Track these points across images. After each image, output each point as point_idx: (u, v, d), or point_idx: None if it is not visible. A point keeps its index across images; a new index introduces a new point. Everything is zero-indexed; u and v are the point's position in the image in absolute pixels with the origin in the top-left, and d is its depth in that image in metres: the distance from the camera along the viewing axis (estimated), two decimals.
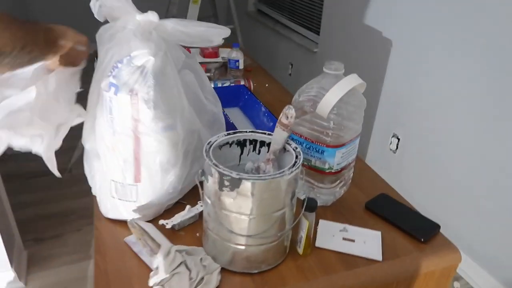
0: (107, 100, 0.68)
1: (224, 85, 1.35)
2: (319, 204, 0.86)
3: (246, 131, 0.75)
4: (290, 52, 3.21)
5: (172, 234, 0.77)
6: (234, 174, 0.61)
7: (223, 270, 0.70)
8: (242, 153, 0.77)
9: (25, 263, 1.76)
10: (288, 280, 0.69)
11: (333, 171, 0.82)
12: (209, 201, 0.67)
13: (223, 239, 0.68)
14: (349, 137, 0.81)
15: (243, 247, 0.67)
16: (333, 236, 0.79)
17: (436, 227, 0.82)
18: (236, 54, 1.54)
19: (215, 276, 0.67)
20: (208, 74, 1.52)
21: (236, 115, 1.24)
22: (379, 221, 0.84)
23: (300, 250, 0.74)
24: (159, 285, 0.65)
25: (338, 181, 0.87)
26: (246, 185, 0.61)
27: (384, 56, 2.15)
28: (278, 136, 0.70)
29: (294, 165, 0.65)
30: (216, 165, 0.63)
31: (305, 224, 0.71)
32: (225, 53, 1.64)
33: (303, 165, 0.85)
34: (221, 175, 0.62)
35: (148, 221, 0.79)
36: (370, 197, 0.91)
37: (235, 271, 0.70)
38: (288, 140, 0.72)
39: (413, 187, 2.07)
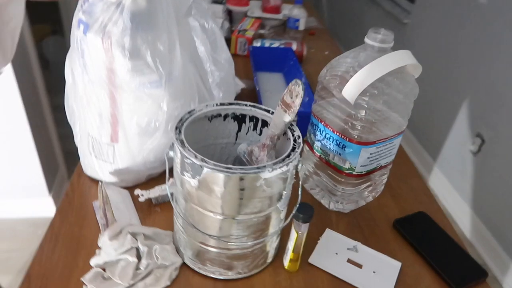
0: (78, 40, 0.56)
1: (273, 45, 1.18)
2: (335, 209, 0.69)
3: (246, 105, 0.59)
4: (374, 20, 2.87)
5: (146, 208, 0.66)
6: (194, 158, 0.46)
7: (184, 266, 0.58)
8: (239, 130, 0.61)
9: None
10: None
11: (354, 173, 0.63)
12: (176, 183, 0.53)
13: (186, 232, 0.55)
14: (385, 134, 0.61)
15: (202, 247, 0.54)
16: (336, 254, 0.61)
17: (482, 274, 0.61)
18: (297, 12, 1.34)
19: (169, 273, 0.55)
20: (262, 31, 1.35)
21: (272, 82, 1.07)
22: (405, 248, 0.65)
23: (285, 263, 0.59)
24: (99, 267, 0.55)
25: (364, 186, 0.68)
26: (209, 175, 0.46)
27: (491, 41, 1.78)
28: (277, 119, 0.54)
29: (283, 160, 0.48)
30: (180, 141, 0.49)
31: (293, 235, 0.55)
32: (287, 10, 1.45)
33: (320, 158, 0.67)
34: (182, 155, 0.48)
35: (126, 188, 0.69)
36: (405, 213, 0.71)
37: (197, 271, 0.57)
38: (292, 126, 0.55)
39: (489, 198, 1.75)
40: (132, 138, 0.63)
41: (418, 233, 0.66)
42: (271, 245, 0.57)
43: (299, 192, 0.55)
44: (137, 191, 0.67)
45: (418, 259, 0.63)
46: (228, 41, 1.23)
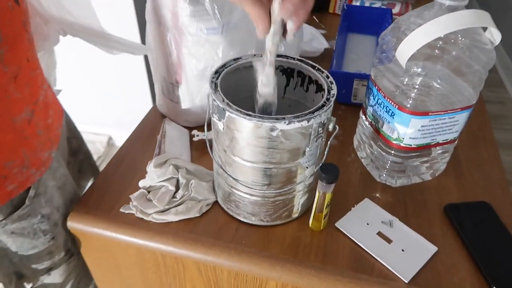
0: None
1: (373, 5, 1.10)
2: (383, 181, 0.65)
3: (293, 58, 0.58)
4: None
5: (201, 148, 0.72)
6: (220, 101, 0.49)
7: (216, 204, 0.62)
8: (287, 84, 0.61)
9: None
10: (271, 246, 0.57)
11: (402, 145, 0.59)
12: (216, 123, 0.57)
13: (218, 173, 0.59)
14: (445, 105, 0.55)
15: (230, 189, 0.57)
16: (367, 224, 0.59)
17: None
18: None
19: (200, 206, 0.60)
20: None
21: (363, 45, 1.01)
22: (449, 236, 0.59)
23: (310, 221, 0.59)
24: (145, 189, 0.62)
25: (419, 161, 0.63)
26: (231, 120, 0.49)
27: None
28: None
29: (305, 114, 0.48)
30: (214, 84, 0.51)
31: (316, 194, 0.55)
32: None
33: (371, 124, 0.64)
34: (212, 97, 0.51)
35: (188, 127, 0.75)
36: (464, 199, 0.64)
37: (225, 211, 0.61)
38: (332, 84, 0.53)
39: None
40: (191, 81, 0.68)
41: (471, 223, 0.59)
42: (297, 200, 0.58)
43: (326, 152, 0.54)
44: (194, 132, 0.73)
45: (460, 250, 0.57)
46: None
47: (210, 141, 0.59)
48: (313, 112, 0.48)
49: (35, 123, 0.53)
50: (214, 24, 0.62)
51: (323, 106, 0.49)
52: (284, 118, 0.47)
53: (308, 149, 0.51)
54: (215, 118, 0.52)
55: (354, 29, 1.05)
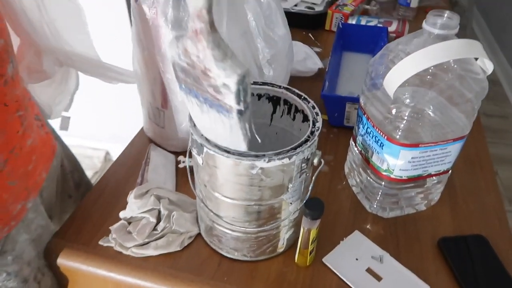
0: (132, 8, 0.60)
1: (369, 23, 1.08)
2: (374, 212, 0.63)
3: (279, 86, 0.56)
4: None
5: (186, 174, 0.69)
6: (198, 136, 0.47)
7: (200, 236, 0.60)
8: (274, 111, 0.59)
9: None
10: (254, 283, 0.54)
11: (392, 176, 0.56)
12: (196, 157, 0.55)
13: (199, 205, 0.57)
14: (438, 135, 0.52)
15: (211, 223, 0.55)
16: (356, 259, 0.57)
17: None
18: None
19: (181, 239, 0.58)
20: (367, 6, 1.25)
21: (358, 64, 0.99)
22: (442, 272, 0.56)
23: (296, 256, 0.56)
24: (126, 221, 0.60)
25: (413, 192, 0.60)
26: (210, 156, 0.46)
27: None
28: None
29: (287, 151, 0.45)
30: (192, 119, 0.49)
31: (301, 230, 0.52)
32: None
33: (360, 153, 0.61)
34: (190, 131, 0.48)
35: (175, 152, 0.73)
36: (460, 231, 0.61)
37: (208, 244, 0.59)
38: (318, 115, 0.51)
39: None
40: (177, 107, 0.66)
41: (466, 259, 0.56)
42: (282, 235, 0.55)
43: (310, 187, 0.51)
44: (180, 157, 0.71)
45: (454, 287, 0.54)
46: (324, 16, 1.17)
47: (191, 167, 0.57)
48: (295, 148, 0.46)
49: (7, 173, 0.49)
50: None
51: (306, 141, 0.47)
52: (264, 155, 0.45)
53: (291, 185, 0.49)
54: (194, 152, 0.50)
55: (349, 48, 1.02)
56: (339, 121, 0.79)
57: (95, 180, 1.85)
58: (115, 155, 1.96)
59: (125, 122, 1.82)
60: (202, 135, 0.47)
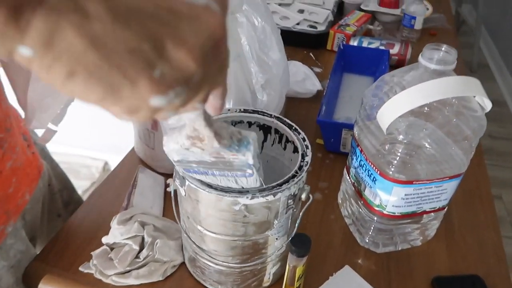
0: None
1: (371, 45, 1.06)
2: (366, 246, 0.60)
3: (270, 115, 0.54)
4: None
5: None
6: (178, 167, 0.45)
7: (184, 266, 0.58)
8: (265, 140, 0.57)
9: None
10: None
11: (384, 212, 0.54)
12: (179, 188, 0.53)
13: (183, 235, 0.55)
14: (435, 170, 0.50)
15: (194, 255, 0.53)
16: None
17: None
18: (415, 9, 1.18)
19: (164, 268, 0.56)
20: (371, 27, 1.23)
21: (358, 86, 0.97)
22: None
23: None
24: (109, 247, 0.58)
25: (409, 229, 0.58)
26: (191, 189, 0.45)
27: None
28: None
29: (272, 188, 0.43)
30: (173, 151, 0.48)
31: (287, 267, 0.50)
32: (406, 5, 1.28)
33: (353, 185, 0.59)
34: (172, 163, 0.47)
35: (165, 174, 0.72)
36: (456, 272, 0.58)
37: (192, 275, 0.56)
38: (307, 148, 0.49)
39: None
40: (166, 129, 0.64)
41: None
42: (268, 269, 0.53)
43: (297, 222, 0.49)
44: (169, 181, 0.69)
45: None
46: (326, 35, 1.16)
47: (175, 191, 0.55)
48: (280, 185, 0.44)
49: None
50: None
51: (293, 176, 0.45)
52: (248, 192, 0.43)
53: (277, 221, 0.47)
54: (177, 183, 0.48)
55: (350, 69, 1.01)
56: (335, 147, 0.77)
57: (92, 191, 1.83)
58: (113, 165, 1.95)
59: (125, 133, 1.81)
60: (183, 166, 0.45)
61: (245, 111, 0.55)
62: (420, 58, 0.47)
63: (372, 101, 0.52)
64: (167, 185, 0.69)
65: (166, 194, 0.68)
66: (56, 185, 0.71)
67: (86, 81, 0.23)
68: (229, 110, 0.55)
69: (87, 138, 1.83)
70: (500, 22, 2.89)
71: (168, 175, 0.71)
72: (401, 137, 0.47)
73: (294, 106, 0.90)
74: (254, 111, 0.55)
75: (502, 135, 2.23)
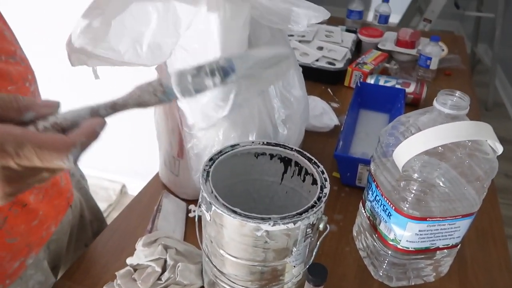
0: None
1: (387, 83, 1.10)
2: (380, 279, 0.62)
3: (291, 149, 0.58)
4: None
5: (194, 225, 0.71)
6: (208, 192, 0.48)
7: None
8: (285, 171, 0.61)
9: None
10: None
11: (399, 247, 0.56)
12: (204, 213, 0.56)
13: (204, 259, 0.57)
14: (447, 208, 0.53)
15: (215, 278, 0.55)
16: None
17: None
18: (432, 50, 1.23)
19: None
20: (388, 65, 1.28)
21: (374, 123, 1.00)
22: None
23: None
24: (133, 267, 0.61)
25: (423, 264, 0.60)
26: (217, 214, 0.48)
27: None
28: None
29: (293, 216, 0.46)
30: (206, 173, 0.51)
31: None
32: (423, 46, 1.32)
33: (368, 219, 0.61)
34: (201, 188, 0.50)
35: (187, 200, 0.75)
36: None
37: None
38: (326, 181, 0.52)
39: None
40: (192, 158, 0.68)
41: None
42: None
43: (315, 251, 0.51)
44: (191, 207, 0.72)
45: None
46: (344, 72, 1.21)
47: (200, 216, 0.58)
48: (300, 214, 0.47)
49: (6, 231, 0.48)
50: None
51: (312, 206, 0.48)
52: (270, 219, 0.46)
53: (295, 249, 0.49)
54: (203, 208, 0.51)
55: (366, 106, 1.04)
56: (351, 181, 0.79)
57: (108, 213, 1.87)
58: (130, 188, 1.99)
59: (143, 158, 1.86)
60: (211, 192, 0.49)
61: (268, 144, 0.58)
62: (434, 103, 0.51)
63: (389, 139, 0.55)
64: (189, 211, 0.73)
65: (188, 220, 0.71)
66: (88, 216, 0.74)
67: None
68: (253, 142, 0.58)
69: (105, 160, 1.89)
70: None
71: (190, 201, 0.75)
72: (416, 175, 0.50)
73: (312, 139, 0.94)
74: (276, 144, 0.58)
75: (510, 172, 2.21)
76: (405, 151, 0.49)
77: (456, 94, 0.50)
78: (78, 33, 0.54)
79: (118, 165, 1.92)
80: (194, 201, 0.74)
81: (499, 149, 0.50)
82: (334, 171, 0.84)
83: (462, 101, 0.49)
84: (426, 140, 0.47)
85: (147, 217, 0.71)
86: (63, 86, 1.65)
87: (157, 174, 0.82)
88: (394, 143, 0.52)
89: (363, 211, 0.63)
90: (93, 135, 0.32)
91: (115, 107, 0.36)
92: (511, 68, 2.99)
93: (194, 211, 0.71)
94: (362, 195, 0.65)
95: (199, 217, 0.57)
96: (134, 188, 1.95)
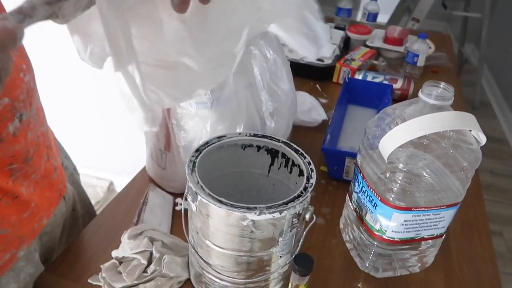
0: None
1: (375, 79, 1.11)
2: (366, 270, 0.62)
3: (278, 140, 0.58)
4: None
5: (180, 218, 0.70)
6: (194, 183, 0.48)
7: (189, 282, 0.60)
8: (272, 163, 0.61)
9: None
10: None
11: (384, 237, 0.56)
12: (190, 203, 0.56)
13: (190, 251, 0.57)
14: (432, 198, 0.53)
15: (201, 270, 0.55)
16: None
17: None
18: (418, 47, 1.24)
19: (170, 284, 0.58)
20: (375, 62, 1.29)
21: (362, 118, 1.01)
22: None
23: None
24: (118, 260, 0.60)
25: (408, 254, 0.60)
26: (203, 205, 0.48)
27: None
28: None
29: (278, 205, 0.46)
30: (192, 163, 0.51)
31: (289, 285, 0.52)
32: (410, 43, 1.34)
33: (355, 210, 0.62)
34: (187, 178, 0.50)
35: (174, 194, 0.74)
36: None
37: None
38: (312, 171, 0.52)
39: None
40: (178, 151, 0.68)
41: None
42: (272, 287, 0.55)
43: (301, 241, 0.52)
44: (178, 200, 0.72)
45: None
46: (332, 68, 1.21)
47: (186, 209, 0.57)
48: (286, 203, 0.47)
49: None
50: (204, 99, 0.63)
51: (298, 196, 0.48)
52: (256, 208, 0.46)
53: (281, 239, 0.49)
54: (189, 199, 0.51)
55: (354, 101, 1.05)
56: (338, 175, 0.80)
57: (96, 210, 1.84)
58: (118, 186, 1.98)
59: (131, 155, 1.84)
60: (197, 182, 0.49)
61: (255, 135, 0.58)
62: (420, 94, 0.51)
63: (375, 131, 0.56)
64: (175, 204, 0.72)
65: (174, 213, 0.71)
66: (80, 210, 0.73)
67: None
68: (240, 134, 0.58)
69: (93, 158, 1.87)
70: (502, 61, 2.97)
71: (177, 195, 0.74)
72: (401, 165, 0.51)
73: (300, 134, 0.94)
74: (263, 136, 0.58)
75: (503, 172, 2.25)
76: (391, 142, 0.49)
77: (441, 85, 0.50)
78: None
79: (105, 163, 1.91)
80: (181, 195, 0.74)
81: (483, 139, 0.51)
82: (322, 165, 0.84)
83: (447, 92, 0.50)
84: (411, 131, 0.48)
85: (134, 210, 0.71)
86: (64, 79, 1.62)
87: (144, 168, 0.81)
88: (380, 134, 0.53)
89: (350, 203, 0.63)
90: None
91: (21, 11, 0.35)
92: (498, 68, 3.03)
93: (180, 204, 0.71)
94: (349, 188, 0.65)
95: (185, 210, 0.56)
96: (122, 186, 1.93)
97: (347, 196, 0.66)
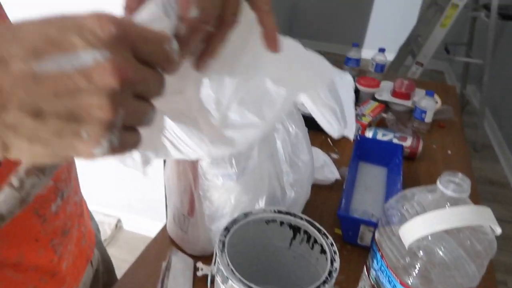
0: None
1: (385, 137, 1.15)
2: None
3: (301, 218, 0.61)
4: None
5: (203, 281, 0.72)
6: (225, 265, 0.51)
7: None
8: (294, 237, 0.63)
9: None
10: None
11: None
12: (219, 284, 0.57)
13: None
14: (450, 286, 0.55)
15: None
16: None
17: None
18: (425, 104, 1.28)
19: None
20: (385, 115, 1.33)
21: (373, 176, 1.04)
22: None
23: None
24: None
25: None
26: (232, 286, 0.50)
27: None
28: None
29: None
30: (222, 243, 0.54)
31: None
32: (418, 97, 1.38)
33: (372, 286, 0.64)
34: (217, 259, 0.52)
35: (194, 256, 0.77)
36: None
37: None
38: (334, 261, 0.54)
39: None
40: (202, 218, 0.70)
41: None
42: None
43: None
44: (199, 264, 0.74)
45: None
46: None
47: (213, 276, 0.59)
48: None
49: None
50: (230, 171, 0.66)
51: (324, 282, 0.51)
52: None
53: None
54: (218, 279, 0.53)
55: (365, 159, 1.08)
56: (353, 239, 0.82)
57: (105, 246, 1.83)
58: (126, 223, 1.99)
59: (139, 192, 1.87)
60: (228, 265, 0.51)
61: (279, 212, 0.61)
62: (438, 184, 0.54)
63: (393, 214, 0.59)
64: (196, 269, 0.74)
65: (195, 278, 0.73)
66: (101, 269, 0.75)
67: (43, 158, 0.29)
68: (264, 210, 0.61)
69: (100, 194, 1.89)
70: (503, 104, 3.03)
71: (197, 258, 0.76)
72: (421, 253, 0.53)
73: (313, 192, 0.97)
74: (287, 213, 0.61)
75: (506, 218, 2.26)
76: (411, 232, 0.52)
77: (458, 178, 0.53)
78: None
79: (113, 200, 1.93)
80: (201, 258, 0.76)
81: (498, 231, 0.53)
82: (336, 227, 0.87)
83: (464, 184, 0.53)
84: (430, 224, 0.51)
85: (155, 274, 0.73)
86: None
87: (164, 228, 0.83)
88: (399, 218, 0.56)
89: (368, 278, 0.65)
90: None
91: None
92: (499, 111, 3.09)
93: (201, 269, 0.73)
94: (366, 261, 0.67)
95: (212, 277, 0.58)
96: (130, 223, 1.95)
97: (364, 268, 0.68)
